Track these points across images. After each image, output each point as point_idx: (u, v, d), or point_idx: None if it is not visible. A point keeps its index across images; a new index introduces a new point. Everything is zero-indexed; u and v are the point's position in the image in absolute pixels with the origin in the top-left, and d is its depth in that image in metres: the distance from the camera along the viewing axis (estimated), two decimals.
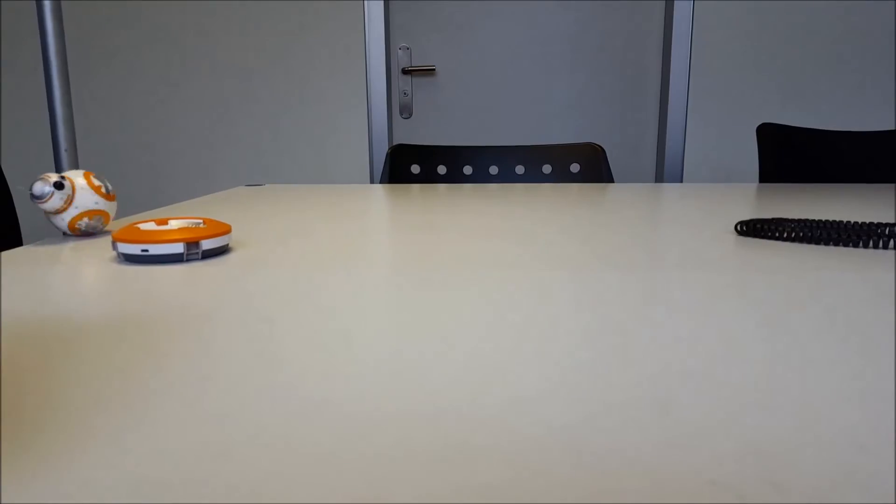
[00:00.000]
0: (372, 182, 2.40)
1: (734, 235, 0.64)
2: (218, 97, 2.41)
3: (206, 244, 0.57)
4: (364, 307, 0.42)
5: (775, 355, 0.33)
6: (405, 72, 2.35)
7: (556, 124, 2.37)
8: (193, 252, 0.56)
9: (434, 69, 2.35)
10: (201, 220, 0.62)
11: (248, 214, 0.82)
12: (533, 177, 1.48)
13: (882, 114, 2.16)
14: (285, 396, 0.28)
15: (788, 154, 1.47)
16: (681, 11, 2.19)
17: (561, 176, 1.48)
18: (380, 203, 0.97)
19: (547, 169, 1.48)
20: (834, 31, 2.16)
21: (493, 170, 1.48)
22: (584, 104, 2.35)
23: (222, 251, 0.59)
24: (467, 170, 1.47)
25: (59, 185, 0.63)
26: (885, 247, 0.58)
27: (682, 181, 2.30)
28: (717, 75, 2.23)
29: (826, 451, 0.23)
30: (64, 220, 0.66)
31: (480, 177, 1.47)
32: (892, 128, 1.50)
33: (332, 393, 0.29)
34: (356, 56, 2.32)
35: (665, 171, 2.31)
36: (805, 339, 0.35)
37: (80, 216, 0.66)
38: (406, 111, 2.39)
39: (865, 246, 0.58)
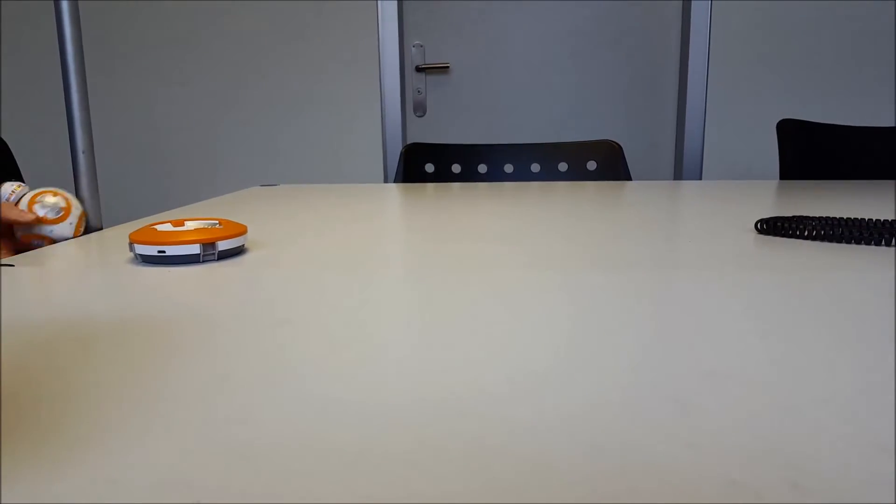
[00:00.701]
0: (386, 181, 2.41)
1: (754, 234, 0.64)
2: (232, 97, 2.42)
3: (223, 245, 0.57)
4: (380, 308, 0.42)
5: (792, 354, 0.32)
6: (419, 69, 2.35)
7: (572, 122, 2.35)
8: (210, 253, 0.56)
9: (448, 67, 2.34)
10: (217, 221, 0.62)
11: (263, 215, 0.82)
12: (549, 175, 1.47)
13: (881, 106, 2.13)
14: (303, 397, 0.28)
15: (809, 150, 1.45)
16: (698, 7, 2.17)
17: (577, 174, 1.47)
18: (394, 203, 0.97)
19: (563, 167, 1.47)
20: (853, 26, 2.13)
21: (509, 168, 1.48)
22: (600, 101, 2.34)
23: (238, 252, 0.60)
24: (482, 168, 1.47)
25: None
26: None
27: (701, 178, 2.28)
28: (736, 71, 2.21)
29: (845, 450, 0.23)
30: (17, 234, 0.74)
31: (495, 175, 1.47)
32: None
33: (349, 393, 0.29)
34: (369, 54, 2.32)
35: (684, 168, 2.29)
36: (823, 339, 0.35)
37: (28, 237, 0.74)
38: (420, 109, 2.39)
39: (888, 244, 0.57)
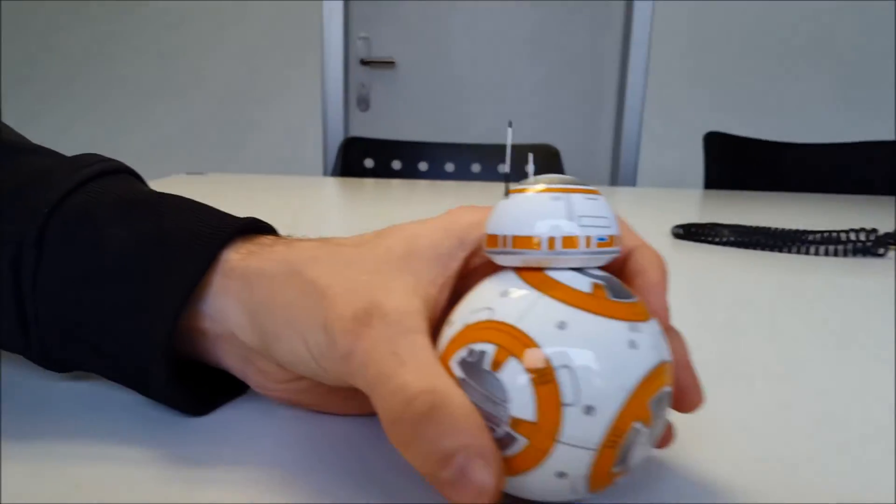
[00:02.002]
0: (326, 175, 2.39)
1: (671, 239, 0.67)
2: (165, 81, 2.36)
3: None
4: None
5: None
6: (363, 63, 2.35)
7: (516, 124, 2.39)
8: None
9: (394, 62, 2.35)
10: None
11: None
12: (489, 175, 1.50)
13: (830, 125, 2.25)
14: None
15: (733, 162, 1.53)
16: (640, 18, 2.24)
17: (516, 176, 1.49)
18: (327, 196, 0.97)
19: (503, 168, 1.50)
20: (789, 43, 2.24)
21: (450, 167, 1.50)
22: (543, 105, 2.38)
23: None
24: (423, 166, 1.48)
25: None
26: (807, 252, 0.61)
27: (635, 185, 2.35)
28: (674, 83, 2.29)
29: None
30: None
31: (436, 174, 1.48)
32: (838, 140, 1.57)
33: None
34: (312, 44, 2.30)
35: (620, 175, 2.36)
36: (721, 334, 0.38)
37: None
38: (363, 104, 2.39)
39: (789, 251, 0.61)
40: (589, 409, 0.17)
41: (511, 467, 0.18)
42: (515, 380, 0.17)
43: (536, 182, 0.20)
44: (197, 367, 0.26)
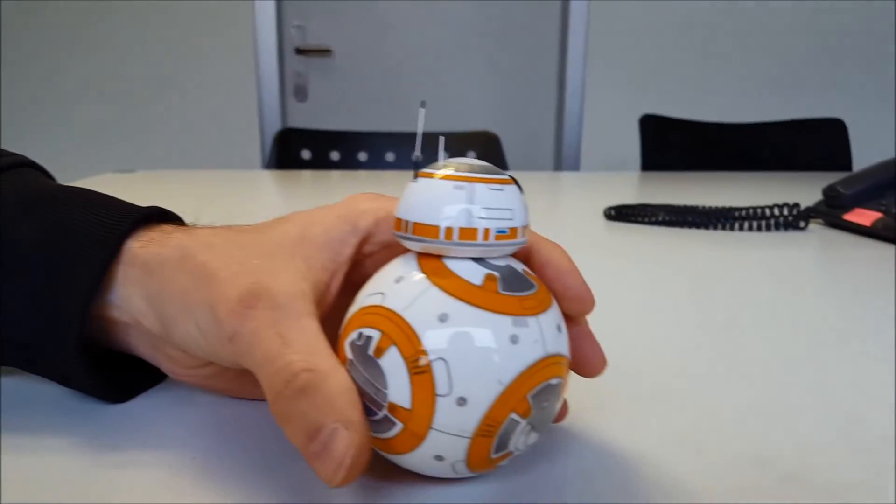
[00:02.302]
0: (264, 168, 2.34)
1: (603, 220, 0.68)
2: (90, 76, 2.27)
3: None
4: None
5: (620, 318, 0.35)
6: (299, 52, 2.30)
7: (455, 112, 2.39)
8: None
9: (331, 51, 2.31)
10: None
11: None
12: (430, 164, 1.49)
13: (769, 105, 2.31)
14: None
15: (668, 143, 1.56)
16: (577, 3, 2.26)
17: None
18: (261, 190, 0.95)
19: (444, 156, 1.49)
20: (725, 26, 2.29)
21: (390, 157, 1.48)
22: (483, 92, 2.38)
23: None
24: (362, 156, 1.47)
25: None
26: (732, 228, 0.63)
27: (579, 170, 2.38)
28: (614, 67, 2.32)
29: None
30: None
31: (376, 164, 1.47)
32: (772, 119, 1.62)
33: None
34: (244, 32, 2.24)
35: (563, 159, 2.38)
36: (657, 306, 0.38)
37: None
38: (301, 94, 2.34)
39: (715, 228, 0.63)
40: (462, 401, 0.18)
41: (392, 448, 0.19)
42: (394, 368, 0.18)
43: (446, 167, 0.20)
44: (116, 356, 0.26)
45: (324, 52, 2.30)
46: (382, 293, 0.19)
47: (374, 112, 2.37)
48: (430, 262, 0.20)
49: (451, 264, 0.19)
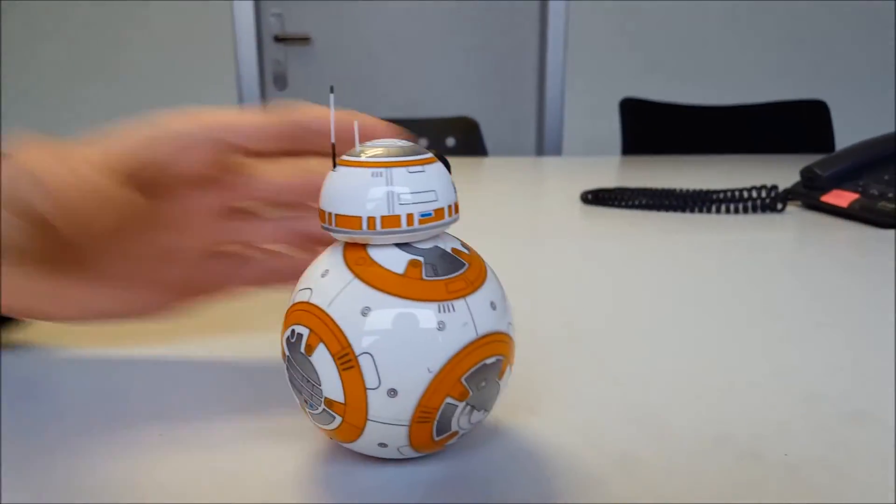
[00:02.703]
0: None
1: (581, 204, 0.67)
2: (67, 70, 2.23)
3: None
4: None
5: (592, 298, 0.35)
6: (278, 40, 2.27)
7: (435, 99, 2.37)
8: None
9: (309, 38, 2.28)
10: None
11: None
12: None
13: (748, 87, 2.32)
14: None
15: (649, 127, 1.56)
16: None
17: (437, 150, 1.48)
18: None
19: (423, 143, 1.48)
20: (708, 8, 2.28)
21: None
22: (463, 78, 2.37)
23: None
24: None
25: None
26: (709, 211, 0.63)
27: (561, 155, 2.37)
28: (595, 50, 2.31)
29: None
30: None
31: None
32: (753, 101, 1.62)
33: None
34: (222, 21, 2.21)
35: (545, 145, 2.37)
36: (636, 290, 0.38)
37: None
38: (280, 83, 2.32)
39: (692, 211, 0.62)
40: (392, 392, 0.18)
41: (337, 437, 0.19)
42: (324, 364, 0.18)
43: (363, 152, 0.19)
44: None
45: (303, 40, 2.28)
46: (310, 289, 0.19)
47: (354, 99, 2.35)
48: (354, 253, 0.19)
49: (375, 253, 0.19)
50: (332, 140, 0.20)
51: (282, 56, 2.30)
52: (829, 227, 0.57)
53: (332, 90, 0.20)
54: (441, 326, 0.18)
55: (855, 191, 0.62)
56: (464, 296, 0.19)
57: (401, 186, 0.18)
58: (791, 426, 0.23)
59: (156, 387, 0.26)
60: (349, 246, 0.20)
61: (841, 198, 0.62)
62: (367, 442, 0.19)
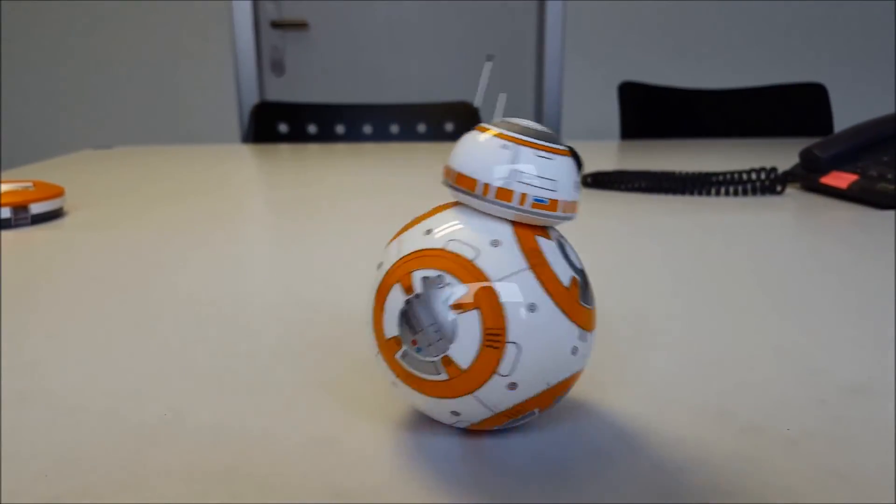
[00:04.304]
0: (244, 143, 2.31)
1: (581, 187, 0.68)
2: (65, 52, 2.22)
3: (36, 208, 0.53)
4: (207, 272, 0.41)
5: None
6: (275, 26, 2.26)
7: (434, 83, 2.36)
8: (22, 217, 0.53)
9: (306, 24, 2.27)
10: (31, 184, 0.58)
11: (88, 179, 0.77)
12: (408, 136, 1.48)
13: (748, 70, 2.31)
14: (125, 367, 0.27)
15: (648, 111, 1.55)
16: None
17: (436, 135, 1.48)
18: (238, 165, 0.94)
19: (422, 128, 1.48)
20: None
21: (367, 129, 1.47)
22: (461, 62, 2.36)
23: (55, 215, 0.56)
24: (340, 129, 1.45)
25: None
26: (709, 193, 0.63)
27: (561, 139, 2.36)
28: (593, 34, 2.30)
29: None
30: None
31: (354, 136, 1.45)
32: (752, 84, 1.62)
33: (172, 361, 0.28)
34: (219, 7, 2.20)
35: None
36: (640, 271, 0.38)
37: None
38: (278, 68, 2.31)
39: (692, 193, 0.63)
40: (513, 386, 0.19)
41: (417, 386, 0.19)
42: (468, 329, 0.18)
43: (502, 125, 0.19)
44: None
45: (300, 26, 2.26)
46: (476, 248, 0.19)
47: (352, 85, 2.34)
48: (526, 239, 0.19)
49: (546, 249, 0.19)
50: (477, 103, 0.21)
51: (279, 42, 2.29)
52: (828, 209, 0.58)
53: (489, 58, 0.21)
54: (574, 351, 0.19)
55: (854, 172, 0.62)
56: (592, 330, 0.20)
57: (524, 165, 0.19)
58: (792, 401, 0.23)
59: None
60: (518, 226, 0.19)
61: (840, 179, 0.62)
62: (443, 406, 0.19)
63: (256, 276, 0.38)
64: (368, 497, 0.18)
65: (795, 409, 0.23)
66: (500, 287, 0.18)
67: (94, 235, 0.49)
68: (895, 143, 0.65)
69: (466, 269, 0.18)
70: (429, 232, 0.20)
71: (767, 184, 0.63)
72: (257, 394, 0.24)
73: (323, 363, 0.27)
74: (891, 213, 0.55)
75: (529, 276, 0.19)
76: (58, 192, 0.55)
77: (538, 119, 2.40)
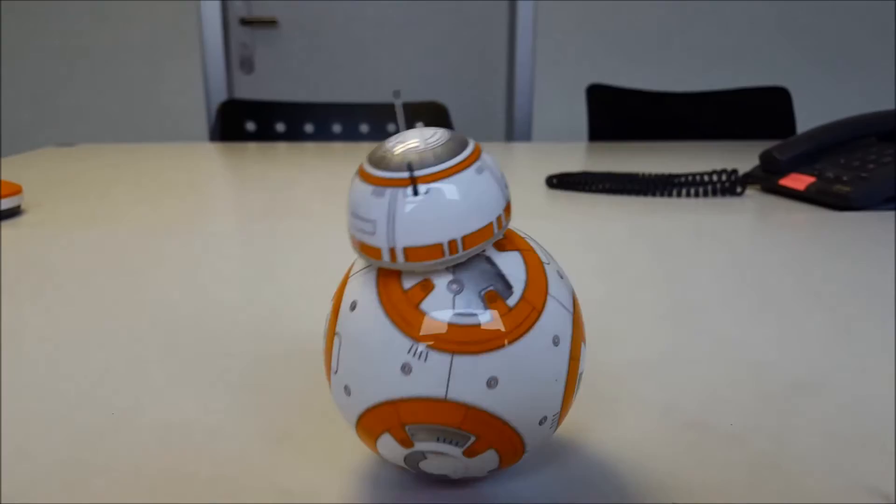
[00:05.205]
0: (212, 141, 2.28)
1: (546, 188, 0.68)
2: (30, 47, 2.17)
3: None
4: (165, 272, 0.41)
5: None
6: (244, 23, 2.24)
7: (405, 83, 2.36)
8: None
9: (276, 21, 2.25)
10: None
11: (49, 176, 0.76)
12: (377, 136, 1.47)
13: (713, 74, 2.35)
14: (74, 365, 0.27)
15: (616, 113, 1.57)
16: None
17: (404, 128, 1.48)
18: (205, 163, 0.93)
19: (391, 128, 1.47)
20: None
21: (337, 128, 1.46)
22: (432, 62, 2.36)
23: (13, 213, 0.55)
24: (309, 128, 1.44)
25: None
26: (671, 195, 0.64)
27: (531, 140, 2.38)
28: (563, 36, 2.32)
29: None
30: None
31: (323, 135, 1.44)
32: (714, 88, 1.65)
33: (131, 358, 0.28)
34: (187, 3, 2.17)
35: (515, 131, 2.38)
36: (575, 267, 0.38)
37: None
38: (247, 66, 2.28)
39: (654, 195, 0.64)
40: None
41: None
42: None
43: (385, 153, 0.16)
44: None
45: (269, 23, 2.25)
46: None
47: (322, 83, 2.32)
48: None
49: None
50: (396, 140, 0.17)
51: (248, 39, 2.27)
52: (785, 210, 0.59)
53: (396, 95, 0.18)
54: (405, 369, 0.16)
55: (812, 174, 0.64)
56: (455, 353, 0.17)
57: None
58: (736, 397, 0.24)
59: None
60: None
61: (798, 181, 0.64)
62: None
63: (216, 277, 0.38)
64: (314, 497, 0.18)
65: (737, 405, 0.23)
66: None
67: (52, 234, 0.48)
68: (852, 146, 0.66)
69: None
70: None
71: (728, 185, 0.64)
72: (209, 394, 0.24)
73: (281, 364, 0.26)
74: (846, 214, 0.56)
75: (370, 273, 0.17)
76: (15, 190, 0.54)
77: (509, 120, 2.41)
